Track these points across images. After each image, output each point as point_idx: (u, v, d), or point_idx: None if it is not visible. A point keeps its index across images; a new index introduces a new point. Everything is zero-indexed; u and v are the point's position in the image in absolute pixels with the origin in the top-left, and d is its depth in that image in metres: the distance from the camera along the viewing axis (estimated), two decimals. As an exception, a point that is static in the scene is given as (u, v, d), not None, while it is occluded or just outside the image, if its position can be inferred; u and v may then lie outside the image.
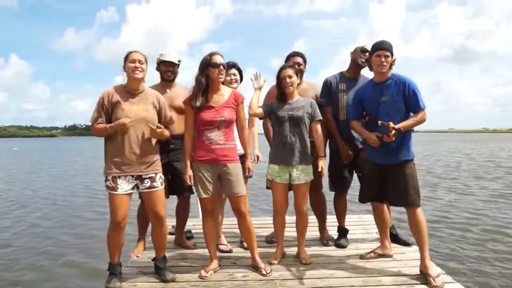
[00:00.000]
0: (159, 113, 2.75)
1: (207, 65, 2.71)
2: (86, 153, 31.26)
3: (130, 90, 2.68)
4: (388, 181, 2.82)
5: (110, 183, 2.59)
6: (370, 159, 2.92)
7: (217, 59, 2.71)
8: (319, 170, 2.92)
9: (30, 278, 4.63)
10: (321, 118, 3.02)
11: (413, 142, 2.80)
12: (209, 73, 2.71)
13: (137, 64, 2.61)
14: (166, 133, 2.72)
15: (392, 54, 2.74)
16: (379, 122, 2.67)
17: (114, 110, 2.61)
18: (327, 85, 3.44)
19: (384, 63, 2.71)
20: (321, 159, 2.95)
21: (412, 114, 2.73)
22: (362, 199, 3.02)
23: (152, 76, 3.32)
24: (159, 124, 2.65)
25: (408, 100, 2.70)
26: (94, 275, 4.52)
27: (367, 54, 3.28)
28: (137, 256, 3.22)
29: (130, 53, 2.67)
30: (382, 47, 2.73)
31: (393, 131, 2.58)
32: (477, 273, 4.50)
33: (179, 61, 3.32)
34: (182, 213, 3.49)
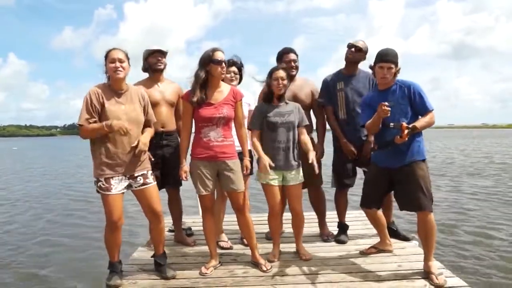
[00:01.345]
0: (144, 109, 2.72)
1: (208, 61, 2.68)
2: (80, 152, 30.73)
3: (115, 90, 2.61)
4: (398, 184, 2.74)
5: (103, 184, 2.54)
6: (376, 163, 2.85)
7: (219, 55, 2.69)
8: (310, 162, 2.79)
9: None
10: (308, 123, 3.09)
11: (423, 142, 2.72)
12: (210, 69, 2.69)
13: (117, 64, 2.53)
14: (145, 146, 2.63)
15: (396, 64, 2.66)
16: (391, 124, 2.59)
17: (103, 110, 2.54)
18: (325, 85, 3.45)
19: (387, 76, 2.65)
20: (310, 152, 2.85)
21: (420, 117, 2.65)
22: (364, 204, 2.97)
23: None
24: (138, 142, 2.58)
25: (414, 103, 2.64)
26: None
27: (353, 50, 3.32)
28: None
29: (109, 51, 2.57)
30: (385, 59, 2.64)
31: (406, 131, 2.49)
32: (471, 267, 4.53)
33: (166, 51, 3.28)
34: (176, 207, 3.48)
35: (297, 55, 3.42)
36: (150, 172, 2.71)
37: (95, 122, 2.52)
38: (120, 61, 2.55)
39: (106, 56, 2.58)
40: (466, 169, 13.95)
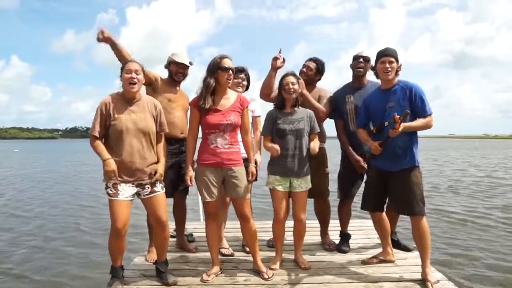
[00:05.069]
0: (156, 120, 2.74)
1: (217, 68, 2.72)
2: (69, 156, 30.06)
3: (127, 99, 2.67)
4: (393, 188, 2.82)
5: (111, 190, 2.58)
6: (375, 165, 2.93)
7: (227, 62, 2.72)
8: (311, 148, 2.87)
9: None
10: (319, 130, 3.06)
11: (419, 148, 2.79)
12: (218, 76, 2.72)
13: (133, 75, 2.60)
14: (161, 177, 2.72)
15: (397, 60, 2.75)
16: (386, 123, 2.67)
17: (113, 119, 2.59)
18: (335, 101, 3.42)
19: (389, 69, 2.72)
20: None
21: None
22: (364, 207, 3.02)
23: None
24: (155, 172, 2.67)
25: (414, 106, 2.69)
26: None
27: (361, 60, 3.32)
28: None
29: (126, 63, 2.67)
30: (386, 54, 2.75)
31: (399, 121, 2.53)
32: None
33: (190, 63, 3.29)
34: (181, 213, 3.47)
35: (318, 68, 3.41)
36: (158, 181, 2.72)
37: (104, 134, 2.62)
38: (136, 72, 2.62)
39: (123, 67, 2.65)
40: (447, 183, 13.13)
